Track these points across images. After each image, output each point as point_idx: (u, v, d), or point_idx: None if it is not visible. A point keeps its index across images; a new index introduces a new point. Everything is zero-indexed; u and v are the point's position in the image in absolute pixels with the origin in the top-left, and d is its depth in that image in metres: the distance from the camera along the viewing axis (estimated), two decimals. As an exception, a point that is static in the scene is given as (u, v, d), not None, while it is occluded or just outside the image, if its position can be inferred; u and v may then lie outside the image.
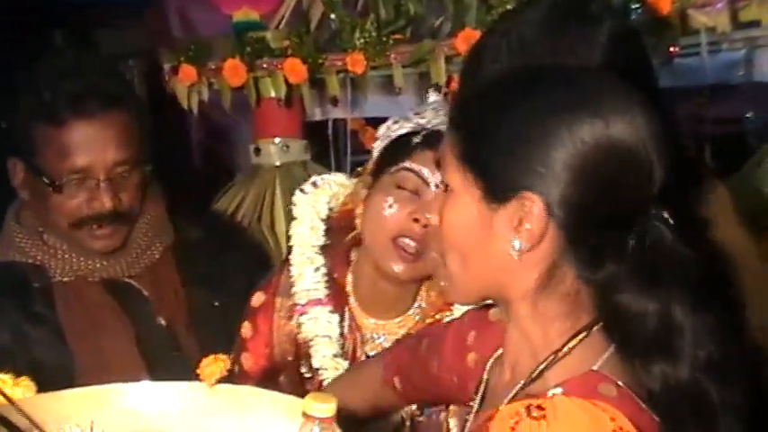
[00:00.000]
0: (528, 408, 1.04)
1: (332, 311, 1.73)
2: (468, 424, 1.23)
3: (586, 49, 1.37)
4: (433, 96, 1.80)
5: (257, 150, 2.85)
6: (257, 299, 1.80)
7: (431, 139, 1.62)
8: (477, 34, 2.46)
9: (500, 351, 1.23)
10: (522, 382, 1.12)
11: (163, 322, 1.92)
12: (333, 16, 2.70)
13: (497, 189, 1.11)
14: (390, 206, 1.63)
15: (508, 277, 1.13)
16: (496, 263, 1.13)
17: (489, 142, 1.13)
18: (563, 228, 1.09)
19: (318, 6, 2.77)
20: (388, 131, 1.72)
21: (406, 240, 1.63)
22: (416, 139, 1.65)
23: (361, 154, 3.05)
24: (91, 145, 1.83)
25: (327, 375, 1.71)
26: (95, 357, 1.85)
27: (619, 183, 1.07)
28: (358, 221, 1.71)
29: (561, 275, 1.11)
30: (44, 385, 1.80)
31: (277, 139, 2.84)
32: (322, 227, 1.76)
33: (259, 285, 1.82)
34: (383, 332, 1.74)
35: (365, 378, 1.54)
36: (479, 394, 1.24)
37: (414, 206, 1.62)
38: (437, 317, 1.70)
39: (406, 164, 1.63)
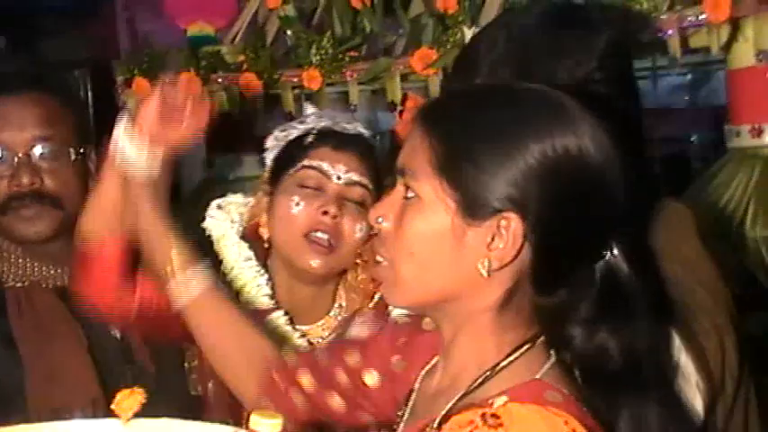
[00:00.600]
0: (483, 416, 1.04)
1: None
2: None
3: (584, 53, 1.38)
4: (310, 109, 1.86)
5: (209, 163, 2.84)
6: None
7: (324, 136, 1.68)
8: (433, 53, 2.49)
9: (434, 360, 1.22)
10: (464, 390, 1.12)
11: (117, 334, 1.91)
12: (289, 32, 2.70)
13: (476, 205, 1.10)
14: (297, 204, 1.66)
15: (470, 291, 1.13)
16: (460, 276, 1.12)
17: (471, 159, 1.12)
18: (534, 250, 1.10)
19: (274, 22, 2.77)
20: (277, 140, 1.75)
21: (319, 234, 1.65)
22: (309, 139, 1.68)
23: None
24: (7, 121, 1.82)
25: None
26: (46, 366, 1.80)
27: (593, 207, 1.09)
28: (264, 230, 1.73)
29: (522, 293, 1.12)
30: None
31: (230, 154, 2.83)
32: (244, 243, 1.75)
33: None
34: (308, 338, 1.73)
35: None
36: (409, 404, 1.23)
37: (320, 201, 1.64)
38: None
39: (305, 162, 1.66)
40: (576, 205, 1.09)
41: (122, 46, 4.56)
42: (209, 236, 1.77)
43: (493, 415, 1.04)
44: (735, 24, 2.26)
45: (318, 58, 2.60)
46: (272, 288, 1.74)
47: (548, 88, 1.18)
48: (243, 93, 2.69)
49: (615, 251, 1.10)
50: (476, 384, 1.12)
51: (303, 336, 1.73)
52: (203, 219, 2.60)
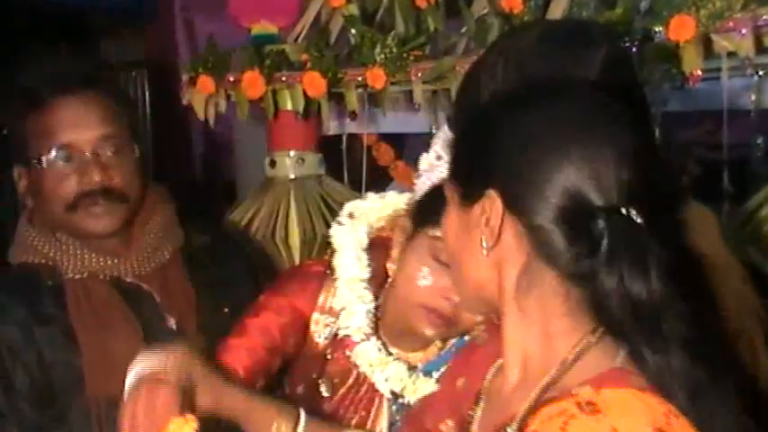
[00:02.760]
0: (578, 404, 1.03)
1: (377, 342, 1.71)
2: None
3: (580, 69, 1.38)
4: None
5: (272, 163, 2.84)
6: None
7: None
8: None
9: (500, 361, 1.23)
10: (540, 386, 1.11)
11: (173, 325, 1.93)
12: (352, 31, 2.69)
13: (468, 190, 1.17)
14: (425, 277, 1.61)
15: (489, 279, 1.16)
16: (476, 265, 1.17)
17: (464, 145, 1.19)
18: (525, 222, 1.12)
19: (337, 21, 2.77)
20: (432, 170, 1.67)
21: (440, 304, 1.60)
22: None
23: (375, 170, 3.06)
24: (73, 121, 1.87)
25: (408, 393, 1.68)
26: (104, 357, 1.85)
27: (575, 175, 1.10)
28: (391, 266, 1.69)
29: (539, 275, 1.12)
30: (54, 385, 1.81)
31: (292, 152, 2.83)
32: (365, 258, 1.72)
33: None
34: (409, 363, 1.72)
35: None
36: (480, 405, 1.24)
37: (448, 281, 1.54)
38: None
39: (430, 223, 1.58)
40: (552, 180, 1.10)
41: (180, 47, 4.59)
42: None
43: (588, 402, 1.03)
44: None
45: (383, 57, 2.59)
46: (376, 308, 1.70)
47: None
48: (306, 91, 2.69)
49: (631, 212, 1.08)
50: (552, 378, 1.11)
51: (398, 359, 1.70)
52: (270, 217, 2.63)
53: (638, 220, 1.08)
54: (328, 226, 1.90)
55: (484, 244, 1.14)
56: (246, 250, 2.29)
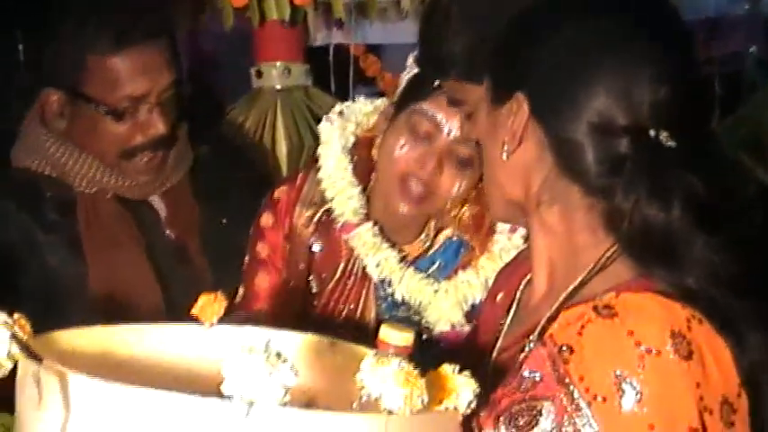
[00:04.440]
0: (595, 308, 1.02)
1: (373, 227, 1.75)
2: (500, 341, 1.21)
3: None
4: None
5: (258, 73, 2.81)
6: (266, 219, 1.81)
7: (444, 87, 1.62)
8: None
9: (529, 276, 1.22)
10: (568, 291, 1.10)
11: (172, 236, 1.93)
12: (339, -63, 2.64)
13: (500, 90, 1.16)
14: (401, 147, 1.67)
15: (513, 185, 1.15)
16: (501, 168, 1.16)
17: (499, 47, 1.17)
18: (549, 132, 1.10)
19: (325, -72, 2.71)
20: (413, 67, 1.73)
21: (412, 183, 1.66)
22: (430, 88, 1.65)
23: (363, 82, 3.03)
24: (145, 71, 1.82)
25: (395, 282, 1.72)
26: (109, 270, 1.87)
27: (606, 90, 1.07)
28: (375, 152, 1.75)
29: (561, 187, 1.11)
30: (58, 293, 1.82)
31: (279, 63, 2.79)
32: (350, 150, 1.77)
33: (263, 206, 1.83)
34: (404, 254, 1.76)
35: None
36: (510, 314, 1.23)
37: (423, 150, 1.66)
38: None
39: (423, 106, 1.65)
40: (581, 88, 1.08)
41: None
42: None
43: (606, 306, 1.01)
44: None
45: (369, -37, 2.55)
46: (367, 202, 1.75)
47: None
48: (293, 0, 2.64)
49: (661, 134, 1.06)
50: (577, 285, 1.10)
51: (394, 247, 1.74)
52: (256, 128, 2.62)
53: (669, 144, 1.05)
54: (315, 137, 1.93)
55: (505, 147, 1.13)
56: (246, 156, 2.29)
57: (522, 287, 1.24)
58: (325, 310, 1.77)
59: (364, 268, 1.76)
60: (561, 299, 1.10)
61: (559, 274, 1.14)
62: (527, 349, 1.10)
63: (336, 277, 1.77)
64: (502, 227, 1.70)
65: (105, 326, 1.17)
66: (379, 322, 1.69)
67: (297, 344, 1.14)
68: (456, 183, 1.67)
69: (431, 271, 1.75)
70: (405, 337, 0.99)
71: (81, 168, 1.88)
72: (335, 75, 2.87)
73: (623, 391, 0.98)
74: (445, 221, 1.76)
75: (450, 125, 1.64)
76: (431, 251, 1.77)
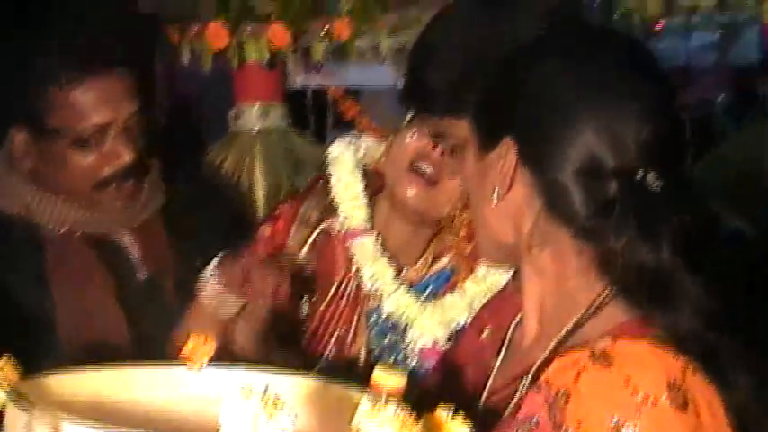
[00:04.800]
0: (591, 355, 1.01)
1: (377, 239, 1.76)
2: (490, 383, 1.21)
3: (520, 30, 1.38)
4: None
5: (237, 115, 2.82)
6: (263, 230, 1.82)
7: None
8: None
9: (520, 315, 1.21)
10: (561, 334, 1.10)
11: (145, 275, 1.92)
12: (319, -18, 2.67)
13: (487, 136, 1.16)
14: (412, 135, 1.68)
15: (504, 229, 1.15)
16: (491, 213, 1.16)
17: (485, 92, 1.18)
18: (537, 176, 1.11)
19: (304, -28, 2.74)
20: None
21: (423, 165, 1.67)
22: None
23: (341, 125, 3.04)
24: (108, 101, 1.82)
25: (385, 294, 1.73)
26: (77, 308, 1.85)
27: (592, 130, 1.07)
28: (383, 166, 1.76)
29: (552, 230, 1.11)
30: (25, 334, 1.80)
31: (257, 105, 2.81)
32: (360, 173, 1.79)
33: (264, 219, 1.87)
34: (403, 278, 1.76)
35: None
36: (500, 356, 1.22)
37: (428, 139, 1.66)
38: None
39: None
40: (567, 132, 1.08)
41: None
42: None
43: (602, 353, 1.01)
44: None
45: (348, 7, 2.58)
46: (371, 217, 1.76)
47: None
48: (271, 43, 2.67)
49: (647, 176, 1.06)
50: (570, 328, 1.09)
51: (391, 259, 1.74)
52: (234, 170, 2.62)
53: (655, 184, 1.06)
54: (292, 180, 1.94)
55: (495, 191, 1.13)
56: (223, 196, 2.29)
57: (513, 327, 1.23)
58: (317, 334, 1.77)
59: (357, 288, 1.76)
60: (554, 342, 1.10)
61: (551, 316, 1.14)
62: (519, 393, 1.10)
63: (329, 297, 1.77)
64: None
65: (96, 368, 1.16)
66: (369, 354, 1.74)
67: (291, 385, 1.14)
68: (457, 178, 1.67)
69: (423, 297, 1.76)
70: (398, 380, 1.00)
71: (50, 208, 1.88)
72: (314, 118, 2.88)
73: None
74: (446, 241, 1.77)
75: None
76: (426, 278, 1.78)
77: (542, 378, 1.05)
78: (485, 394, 1.20)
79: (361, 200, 1.76)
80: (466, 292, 1.72)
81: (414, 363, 1.74)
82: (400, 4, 2.64)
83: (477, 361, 1.28)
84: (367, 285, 1.74)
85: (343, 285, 1.77)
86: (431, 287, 1.77)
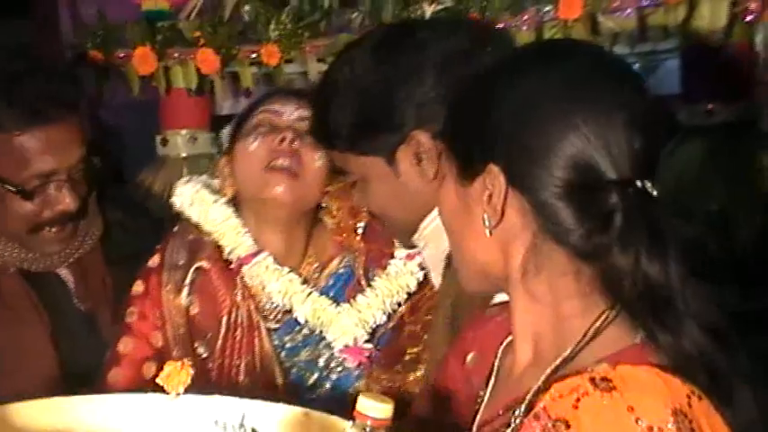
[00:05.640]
0: (592, 380, 0.95)
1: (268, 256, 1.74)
2: (480, 413, 1.15)
3: (416, 75, 1.42)
4: None
5: (164, 141, 2.80)
6: (137, 287, 1.80)
7: (274, 92, 1.81)
8: (394, 30, 2.49)
9: (509, 339, 1.15)
10: (558, 361, 1.03)
11: (82, 308, 1.89)
12: (247, 7, 2.68)
13: (467, 164, 1.08)
14: (254, 142, 1.71)
15: (494, 260, 1.09)
16: (479, 246, 1.09)
17: (458, 117, 1.11)
18: (530, 198, 1.04)
19: (231, -2, 2.75)
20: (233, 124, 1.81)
21: (279, 161, 1.68)
22: (260, 98, 1.77)
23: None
24: (54, 149, 1.78)
25: (297, 303, 1.71)
26: (9, 345, 1.81)
27: (583, 142, 1.00)
28: (229, 190, 1.76)
29: (548, 254, 1.04)
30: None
31: (184, 131, 2.80)
32: (222, 200, 1.77)
33: (139, 273, 1.82)
34: (299, 274, 1.75)
35: None
36: (490, 385, 1.16)
37: (275, 133, 1.69)
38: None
39: (259, 109, 1.73)
40: (558, 155, 1.01)
41: (64, 31, 4.46)
42: (179, 210, 1.80)
43: (603, 378, 0.95)
44: (691, 3, 2.31)
45: (277, 33, 2.59)
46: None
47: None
48: (199, 68, 2.66)
49: (646, 184, 0.99)
50: (567, 357, 1.03)
51: (291, 271, 1.74)
52: (164, 196, 2.61)
53: (654, 193, 0.99)
54: None
55: (486, 223, 1.06)
56: (156, 221, 2.26)
57: (500, 354, 1.17)
58: (222, 370, 1.75)
59: (249, 318, 1.74)
60: (550, 370, 1.03)
61: (546, 343, 1.07)
62: (513, 423, 1.03)
63: (222, 333, 1.75)
64: (401, 252, 1.71)
65: (63, 397, 1.13)
66: (285, 374, 1.72)
67: (270, 416, 1.11)
68: (316, 153, 1.68)
69: (331, 302, 1.74)
70: (384, 409, 0.96)
71: None
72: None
73: None
74: (325, 236, 1.78)
75: (288, 109, 1.72)
76: (323, 282, 1.76)
77: (539, 406, 0.98)
78: (475, 426, 1.13)
79: (240, 226, 1.74)
80: (379, 292, 1.71)
81: (338, 371, 1.74)
82: (329, 30, 2.65)
83: (465, 388, 1.22)
84: (277, 300, 1.72)
85: (233, 318, 1.74)
86: (332, 293, 1.75)
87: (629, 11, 2.36)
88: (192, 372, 1.08)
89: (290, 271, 1.73)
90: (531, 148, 1.01)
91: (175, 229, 1.81)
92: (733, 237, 2.34)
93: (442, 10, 2.46)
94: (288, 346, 1.75)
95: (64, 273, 1.90)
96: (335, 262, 1.78)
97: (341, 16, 2.66)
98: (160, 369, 1.74)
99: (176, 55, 2.67)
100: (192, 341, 1.76)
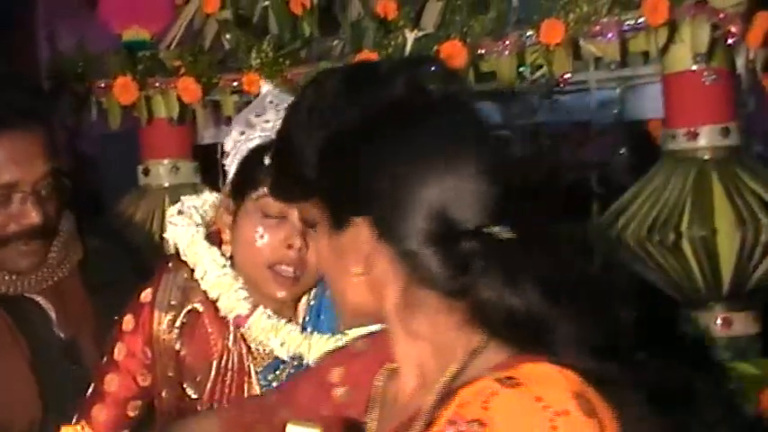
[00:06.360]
0: (498, 380, 1.03)
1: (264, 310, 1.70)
2: None
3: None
4: (265, 87, 1.83)
5: (146, 171, 2.79)
6: (127, 323, 1.76)
7: None
8: (375, 56, 2.49)
9: (389, 366, 1.21)
10: (449, 374, 1.10)
11: (62, 335, 1.87)
12: (227, 36, 2.67)
13: (336, 216, 1.15)
14: (261, 236, 1.64)
15: (368, 301, 1.15)
16: (352, 290, 1.16)
17: (326, 172, 1.15)
18: (396, 248, 1.10)
19: (212, 26, 2.74)
20: (238, 146, 1.72)
21: (284, 267, 1.64)
22: (268, 159, 1.60)
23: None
24: (17, 160, 1.77)
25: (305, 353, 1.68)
26: None
27: (437, 196, 1.09)
28: (227, 248, 1.71)
29: (420, 296, 1.11)
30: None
31: (166, 161, 2.78)
32: (215, 249, 1.72)
33: (129, 307, 1.78)
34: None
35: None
36: (374, 410, 1.21)
37: (284, 232, 1.63)
38: None
39: (267, 189, 1.59)
40: (418, 206, 1.09)
41: (42, 61, 4.45)
42: (174, 243, 1.74)
43: (508, 377, 1.03)
44: (672, 27, 2.31)
45: (258, 61, 2.58)
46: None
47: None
48: (181, 98, 2.65)
49: (499, 229, 1.08)
50: (457, 370, 1.10)
51: (289, 322, 1.70)
52: (144, 226, 2.59)
53: (508, 236, 1.08)
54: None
55: (356, 271, 1.13)
56: (137, 250, 2.25)
57: (380, 382, 1.23)
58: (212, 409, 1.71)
59: (240, 360, 1.72)
60: (445, 381, 1.10)
61: (429, 369, 1.14)
62: None
63: (212, 377, 1.72)
64: None
65: None
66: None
67: None
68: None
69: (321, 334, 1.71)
70: None
71: None
72: (224, 172, 2.85)
73: None
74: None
75: None
76: (303, 315, 1.73)
77: (448, 416, 1.05)
78: None
79: (235, 285, 1.69)
80: None
81: None
82: (310, 58, 2.65)
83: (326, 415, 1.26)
84: (282, 355, 1.68)
85: (224, 362, 1.71)
86: (313, 324, 1.72)
87: (610, 35, 2.36)
88: None
89: (287, 321, 1.69)
90: (393, 202, 1.09)
91: (170, 264, 1.76)
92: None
93: (423, 36, 2.46)
94: (273, 384, 1.72)
95: (42, 300, 1.88)
96: (306, 297, 1.74)
97: (321, 44, 2.65)
98: (145, 406, 1.75)
99: (157, 84, 2.66)
100: (181, 382, 1.73)
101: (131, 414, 1.78)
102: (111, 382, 1.75)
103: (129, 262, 2.01)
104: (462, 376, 1.10)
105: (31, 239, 1.81)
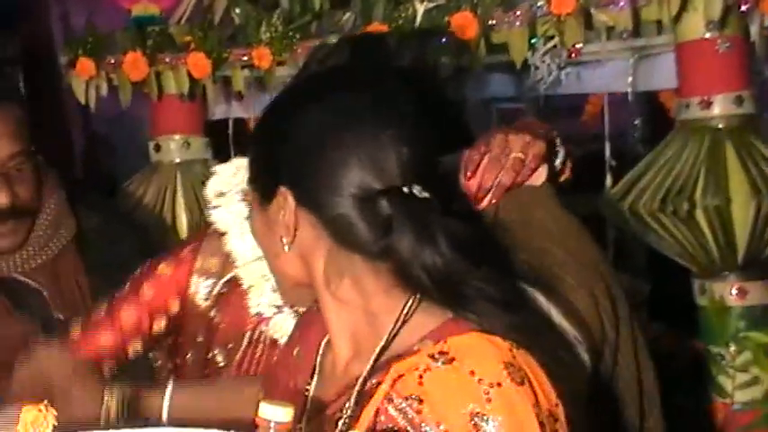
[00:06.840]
0: (431, 356, 1.07)
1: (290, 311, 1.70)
2: (308, 407, 1.23)
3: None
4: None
5: (157, 147, 2.78)
6: (163, 269, 1.76)
7: None
8: (385, 28, 2.47)
9: (327, 337, 1.25)
10: (380, 346, 1.14)
11: (60, 317, 1.86)
12: (237, 11, 2.66)
13: (264, 190, 1.20)
14: None
15: (299, 272, 1.20)
16: (284, 260, 1.20)
17: (253, 147, 1.23)
18: (318, 214, 1.15)
19: (222, 1, 2.72)
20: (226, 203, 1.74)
21: None
22: None
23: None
24: None
25: None
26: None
27: (356, 162, 1.13)
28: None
29: (346, 261, 1.15)
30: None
31: (177, 136, 2.78)
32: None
33: (169, 253, 1.78)
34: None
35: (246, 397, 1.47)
36: (314, 380, 1.26)
37: None
38: None
39: None
40: (332, 169, 1.13)
41: (56, 41, 4.46)
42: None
43: (440, 352, 1.07)
44: (685, -5, 2.29)
45: (268, 36, 2.57)
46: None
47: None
48: (191, 73, 2.64)
49: (413, 188, 1.13)
50: (384, 343, 1.14)
51: None
52: (156, 202, 2.57)
53: (423, 195, 1.12)
54: None
55: (283, 240, 1.17)
56: (141, 228, 2.24)
57: (321, 350, 1.27)
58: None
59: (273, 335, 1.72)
60: (374, 357, 1.14)
61: (362, 337, 1.18)
62: (346, 411, 1.13)
63: (243, 347, 1.73)
64: None
65: None
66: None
67: None
68: None
69: None
70: (286, 413, 0.99)
71: None
72: (235, 148, 2.86)
73: (480, 427, 1.03)
74: None
75: None
76: None
77: (383, 390, 1.08)
78: (304, 419, 1.22)
79: (266, 285, 1.68)
80: None
81: None
82: (320, 31, 2.63)
83: (289, 379, 1.30)
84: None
85: (257, 334, 1.72)
86: None
87: (622, 4, 2.34)
88: (54, 416, 1.00)
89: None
90: (314, 170, 1.14)
91: (211, 229, 1.76)
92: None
93: (434, 8, 2.44)
94: None
95: (33, 282, 1.87)
96: None
97: (332, 18, 2.63)
98: (169, 325, 1.73)
99: (167, 60, 2.65)
100: (210, 348, 1.74)
101: (130, 352, 1.77)
102: (127, 315, 1.73)
103: (135, 242, 2.01)
104: (395, 344, 1.13)
105: (7, 220, 1.80)
